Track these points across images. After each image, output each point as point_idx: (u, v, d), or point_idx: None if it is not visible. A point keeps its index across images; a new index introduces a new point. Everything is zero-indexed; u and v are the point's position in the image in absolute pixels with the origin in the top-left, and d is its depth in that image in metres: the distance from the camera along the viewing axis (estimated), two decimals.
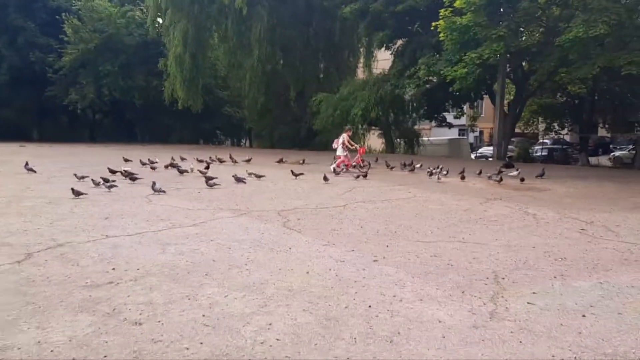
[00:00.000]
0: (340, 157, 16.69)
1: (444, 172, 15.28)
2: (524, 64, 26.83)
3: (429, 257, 6.00)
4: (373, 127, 33.03)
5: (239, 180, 12.65)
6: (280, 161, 19.11)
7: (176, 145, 33.86)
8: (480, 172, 15.13)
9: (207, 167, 15.57)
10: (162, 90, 34.39)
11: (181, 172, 14.49)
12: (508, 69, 25.36)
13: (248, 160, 19.70)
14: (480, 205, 9.91)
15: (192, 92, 32.82)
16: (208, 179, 12.23)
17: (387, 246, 6.51)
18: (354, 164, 16.89)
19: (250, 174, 13.77)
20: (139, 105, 37.91)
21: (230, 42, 33.14)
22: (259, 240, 6.69)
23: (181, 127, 38.98)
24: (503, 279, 5.20)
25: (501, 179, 13.49)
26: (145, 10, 36.62)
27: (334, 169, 16.22)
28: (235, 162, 18.55)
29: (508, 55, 20.31)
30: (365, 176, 14.04)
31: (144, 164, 16.29)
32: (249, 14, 30.61)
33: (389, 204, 9.87)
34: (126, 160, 17.52)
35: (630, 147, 36.46)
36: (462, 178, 14.05)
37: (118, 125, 44.32)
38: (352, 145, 17.10)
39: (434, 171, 14.79)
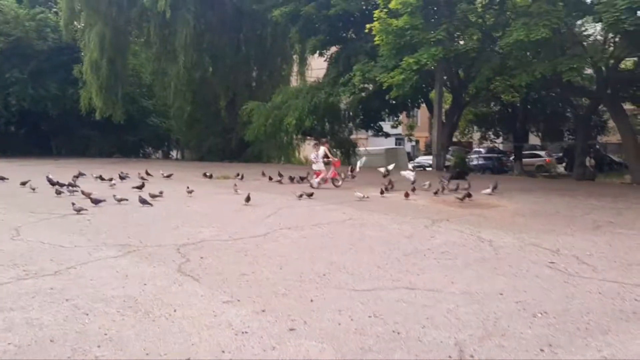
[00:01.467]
0: (319, 173, 15.23)
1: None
2: (460, 71, 26.19)
3: (367, 318, 4.37)
4: (308, 137, 31.48)
5: (143, 202, 10.66)
6: (207, 176, 17.07)
7: (95, 159, 31.00)
8: (442, 189, 13.27)
9: (142, 186, 13.28)
10: (79, 99, 31.43)
11: (59, 192, 12.15)
12: (444, 77, 24.57)
13: (169, 176, 17.61)
14: (426, 229, 8.44)
15: (111, 101, 30.10)
16: (94, 201, 10.33)
17: (312, 300, 4.83)
18: (329, 177, 15.30)
19: (153, 194, 11.75)
20: (55, 116, 34.61)
21: (154, 48, 30.77)
22: (135, 298, 4.84)
23: (101, 139, 35.87)
24: (472, 356, 3.63)
25: (467, 196, 11.80)
26: (59, 12, 33.49)
27: (318, 183, 14.77)
28: (144, 178, 16.10)
29: (446, 61, 19.31)
30: (310, 195, 12.30)
31: (23, 183, 13.76)
32: (173, 18, 28.40)
33: (320, 231, 8.22)
34: (2, 178, 15.15)
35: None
36: (407, 195, 12.28)
37: (32, 137, 40.42)
38: (329, 158, 15.65)
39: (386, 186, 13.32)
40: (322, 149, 15.54)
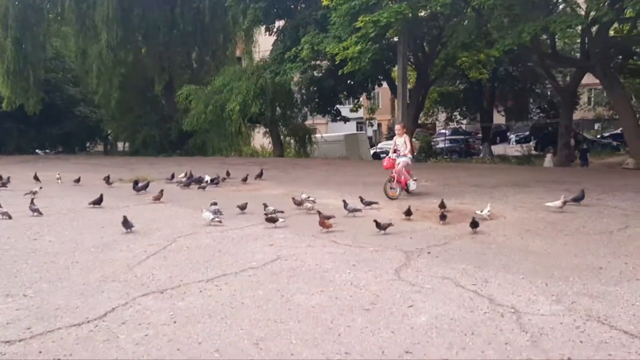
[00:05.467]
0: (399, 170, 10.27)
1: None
2: (425, 44, 22.96)
3: None
4: (257, 125, 27.82)
5: None
6: (108, 182, 13.13)
7: (8, 157, 26.58)
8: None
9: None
10: None
11: None
12: (408, 52, 21.20)
13: (77, 180, 13.68)
14: (397, 279, 5.03)
15: (22, 89, 25.69)
16: None
17: None
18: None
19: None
20: None
21: (70, 25, 26.38)
22: None
23: (19, 133, 31.09)
24: None
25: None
26: None
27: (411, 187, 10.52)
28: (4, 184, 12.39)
29: (409, 32, 15.83)
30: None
31: None
32: None
33: (213, 299, 4.65)
34: None
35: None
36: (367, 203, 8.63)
37: None
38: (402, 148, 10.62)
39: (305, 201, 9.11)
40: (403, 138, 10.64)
